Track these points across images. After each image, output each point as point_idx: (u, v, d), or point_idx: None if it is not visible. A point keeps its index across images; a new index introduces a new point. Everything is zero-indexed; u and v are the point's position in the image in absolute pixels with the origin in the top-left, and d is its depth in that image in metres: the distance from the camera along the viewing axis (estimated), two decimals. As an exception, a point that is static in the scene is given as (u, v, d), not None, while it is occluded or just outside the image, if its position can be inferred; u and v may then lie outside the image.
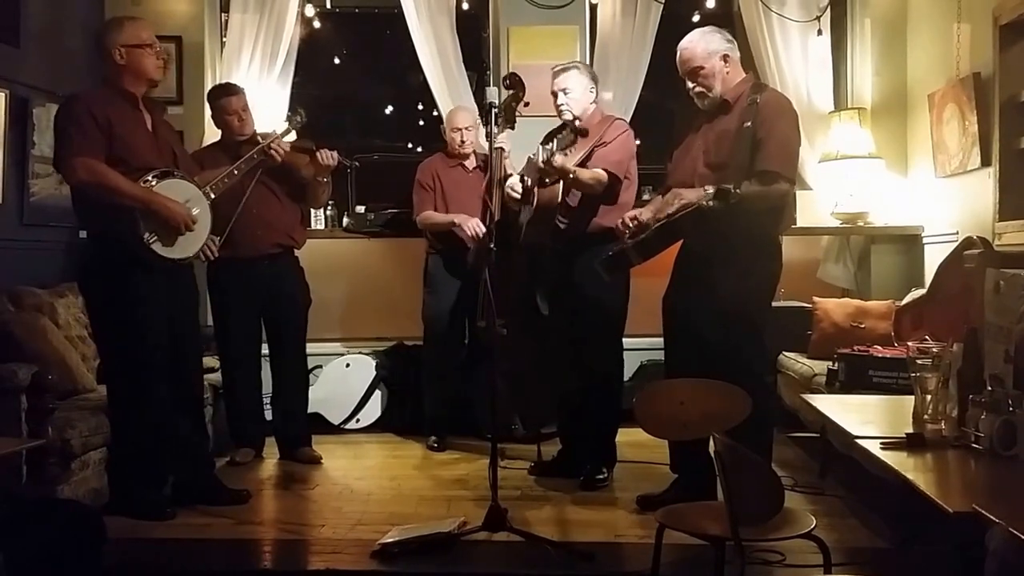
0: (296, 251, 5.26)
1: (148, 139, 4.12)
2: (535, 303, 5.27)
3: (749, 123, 3.83)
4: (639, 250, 3.95)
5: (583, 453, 4.72)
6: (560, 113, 4.62)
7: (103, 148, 3.95)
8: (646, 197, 5.70)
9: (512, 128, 4.74)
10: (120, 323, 4.09)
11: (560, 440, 4.92)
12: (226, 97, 5.08)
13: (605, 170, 4.43)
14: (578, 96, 4.56)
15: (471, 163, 5.52)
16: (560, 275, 4.63)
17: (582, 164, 4.42)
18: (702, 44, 4.00)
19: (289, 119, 4.89)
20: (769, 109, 3.88)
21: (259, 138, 4.81)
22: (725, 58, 3.99)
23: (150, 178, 4.00)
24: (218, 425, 5.29)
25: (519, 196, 4.69)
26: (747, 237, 3.84)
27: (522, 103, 4.67)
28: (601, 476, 4.62)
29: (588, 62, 5.98)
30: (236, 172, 4.42)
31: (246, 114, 5.10)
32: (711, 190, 3.76)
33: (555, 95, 4.59)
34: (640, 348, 5.58)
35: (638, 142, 4.87)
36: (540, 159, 4.39)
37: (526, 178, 4.64)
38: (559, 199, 4.50)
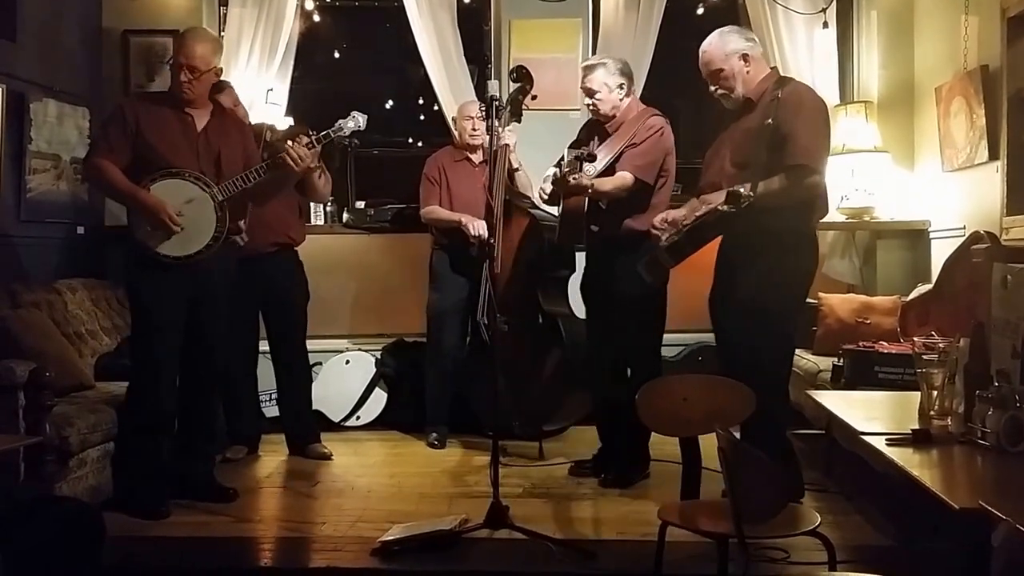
0: (295, 248, 5.25)
1: (185, 142, 4.21)
2: (537, 300, 5.26)
3: (770, 120, 3.81)
4: (671, 253, 3.97)
5: (619, 453, 4.68)
6: (592, 114, 4.62)
7: (125, 151, 4.15)
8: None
9: (519, 121, 4.70)
10: (135, 319, 4.32)
11: (600, 439, 4.84)
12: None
13: (632, 173, 4.39)
14: (603, 96, 4.52)
15: (478, 157, 5.49)
16: (597, 277, 4.64)
17: (611, 166, 4.40)
18: (720, 45, 3.99)
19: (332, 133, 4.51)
20: (790, 103, 3.85)
21: (267, 135, 4.69)
22: (744, 57, 3.97)
23: (156, 177, 4.10)
24: (221, 419, 5.30)
25: (547, 199, 4.72)
26: (776, 231, 3.81)
27: (529, 96, 4.62)
28: (613, 477, 4.56)
29: (591, 55, 5.95)
30: (252, 178, 4.25)
31: (238, 108, 5.05)
32: (738, 190, 3.74)
33: (584, 94, 4.60)
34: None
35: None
36: (556, 173, 4.36)
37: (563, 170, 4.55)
38: (586, 205, 4.46)
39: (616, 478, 4.54)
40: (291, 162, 4.24)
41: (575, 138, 4.73)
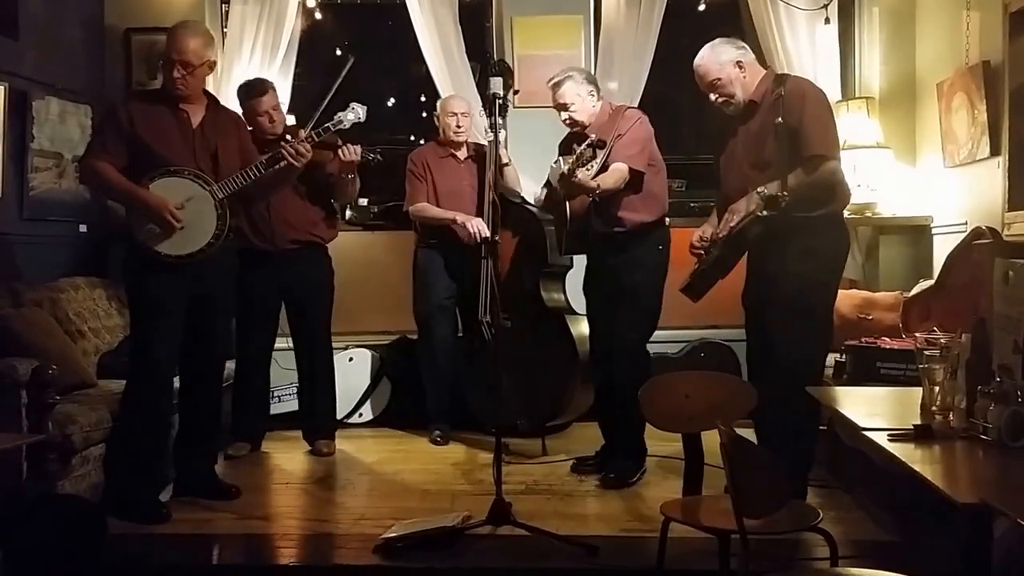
0: (323, 246, 5.24)
1: (181, 139, 4.16)
2: (538, 296, 5.25)
3: (780, 119, 3.85)
4: (716, 267, 4.02)
5: (617, 450, 4.66)
6: (569, 127, 4.63)
7: (121, 151, 4.10)
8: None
9: (503, 116, 4.70)
10: (135, 320, 4.24)
11: (603, 435, 4.82)
12: (256, 98, 5.04)
13: (624, 163, 4.39)
14: (578, 107, 4.54)
15: (463, 153, 5.46)
16: (599, 274, 4.64)
17: (604, 164, 4.36)
18: (713, 57, 4.06)
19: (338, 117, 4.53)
20: (794, 97, 3.92)
21: (288, 135, 4.59)
22: (739, 65, 4.04)
23: (155, 175, 4.05)
24: (229, 415, 5.33)
25: (542, 206, 4.74)
26: (807, 221, 3.86)
27: (511, 91, 4.60)
28: (615, 475, 4.50)
29: (592, 51, 5.96)
30: (253, 175, 4.22)
31: (277, 112, 5.04)
32: (763, 191, 3.82)
33: (558, 110, 4.59)
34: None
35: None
36: (562, 169, 4.31)
37: (556, 187, 4.51)
38: (588, 203, 4.49)
39: (617, 478, 4.49)
40: (290, 159, 4.23)
41: (558, 153, 4.68)
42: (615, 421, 4.64)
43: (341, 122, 4.45)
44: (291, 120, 5.97)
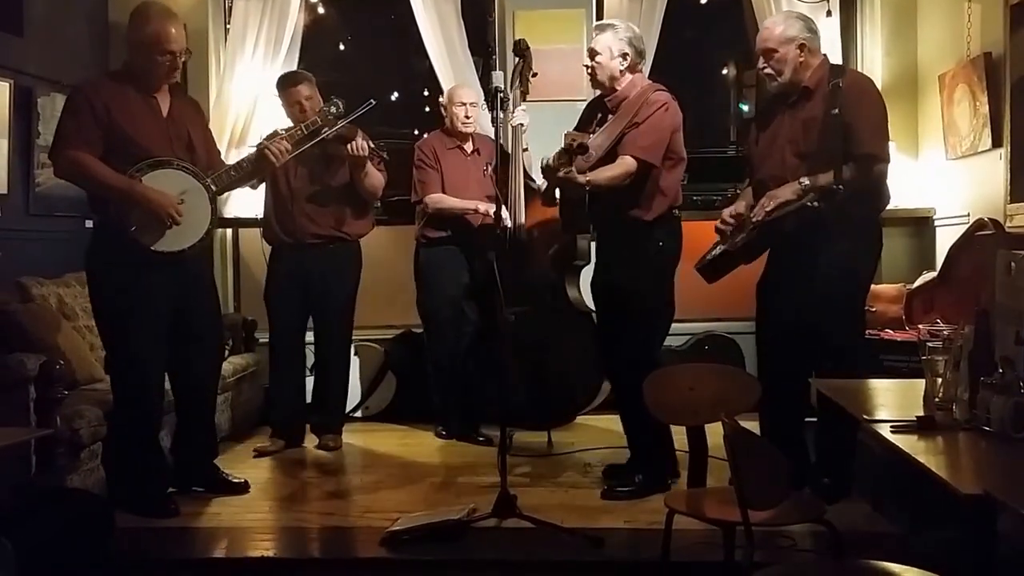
0: (350, 241, 5.20)
1: (157, 128, 4.04)
2: (563, 287, 5.13)
3: (837, 110, 3.80)
4: (745, 252, 3.97)
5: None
6: (590, 80, 4.34)
7: (98, 140, 3.93)
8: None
9: (525, 97, 4.67)
10: (114, 315, 4.08)
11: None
12: (288, 88, 5.05)
13: (634, 156, 4.07)
14: (603, 60, 4.18)
15: (470, 146, 5.39)
16: (599, 272, 4.46)
17: (612, 150, 4.13)
18: (782, 29, 3.97)
19: (322, 111, 4.62)
20: (854, 92, 3.88)
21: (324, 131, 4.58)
22: (802, 47, 3.94)
23: (143, 167, 3.92)
24: (239, 409, 5.43)
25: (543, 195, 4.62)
26: (850, 220, 3.82)
27: (532, 73, 4.57)
28: (624, 489, 4.21)
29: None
30: (242, 167, 4.27)
31: (309, 103, 4.97)
32: (806, 182, 3.79)
33: (588, 55, 4.30)
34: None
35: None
36: (545, 162, 4.21)
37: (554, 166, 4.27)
38: (586, 195, 4.18)
39: (640, 488, 4.19)
40: (272, 157, 4.27)
41: (578, 120, 4.51)
42: (633, 434, 4.39)
43: (328, 115, 4.52)
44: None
